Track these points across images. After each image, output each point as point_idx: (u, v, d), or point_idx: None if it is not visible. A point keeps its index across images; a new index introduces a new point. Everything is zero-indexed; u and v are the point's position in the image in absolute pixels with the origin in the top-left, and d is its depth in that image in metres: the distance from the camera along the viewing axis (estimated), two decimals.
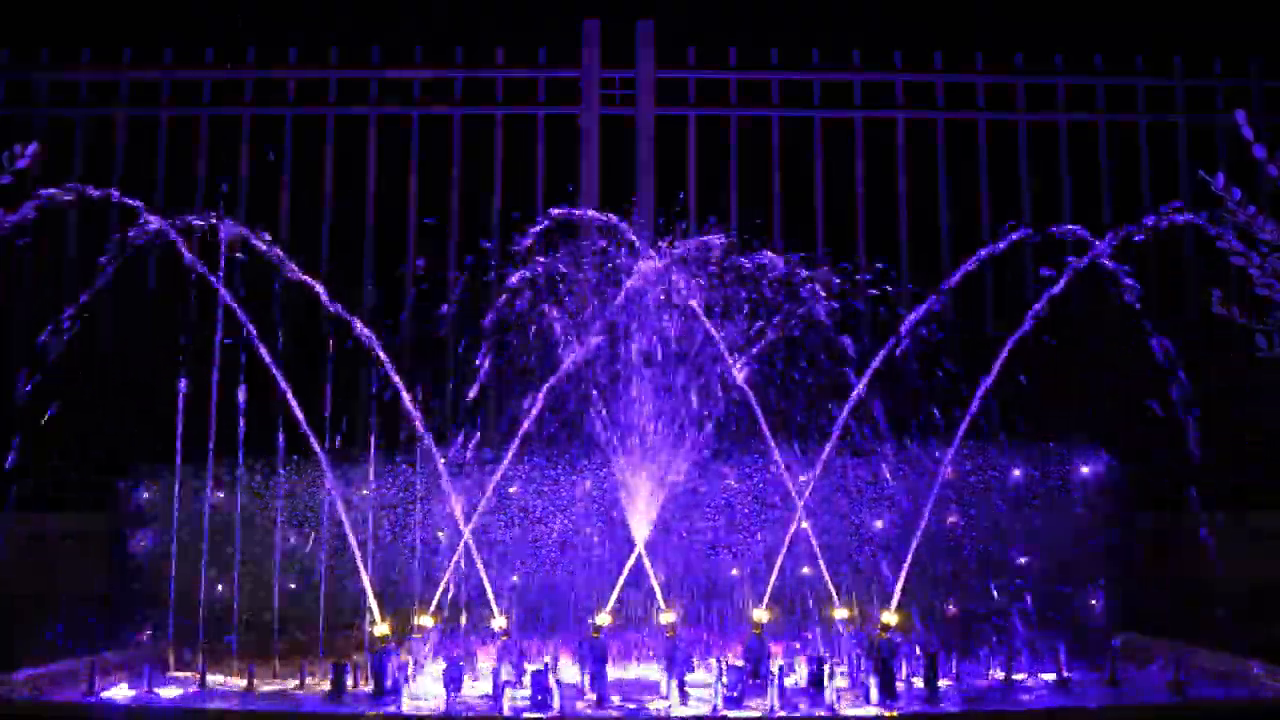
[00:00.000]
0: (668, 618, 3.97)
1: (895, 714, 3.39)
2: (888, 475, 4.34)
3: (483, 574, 4.14)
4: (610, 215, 4.47)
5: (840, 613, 4.11)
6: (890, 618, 3.87)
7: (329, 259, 5.85)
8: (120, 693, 3.69)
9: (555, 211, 4.48)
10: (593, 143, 6.03)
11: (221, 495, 4.38)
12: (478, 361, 4.33)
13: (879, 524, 4.34)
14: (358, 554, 3.99)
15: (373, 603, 3.88)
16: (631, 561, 4.16)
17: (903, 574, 4.01)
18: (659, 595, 4.22)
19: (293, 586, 4.35)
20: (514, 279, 4.29)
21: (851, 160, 6.11)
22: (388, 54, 6.13)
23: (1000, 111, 6.13)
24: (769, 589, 4.17)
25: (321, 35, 6.15)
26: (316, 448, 3.96)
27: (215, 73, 6.07)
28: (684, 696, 3.54)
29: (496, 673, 3.67)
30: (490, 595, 4.13)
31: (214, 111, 6.05)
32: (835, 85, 6.15)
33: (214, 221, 4.12)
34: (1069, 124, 6.17)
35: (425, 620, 4.01)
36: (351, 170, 6.07)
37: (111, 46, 6.07)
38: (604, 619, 3.97)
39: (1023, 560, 4.36)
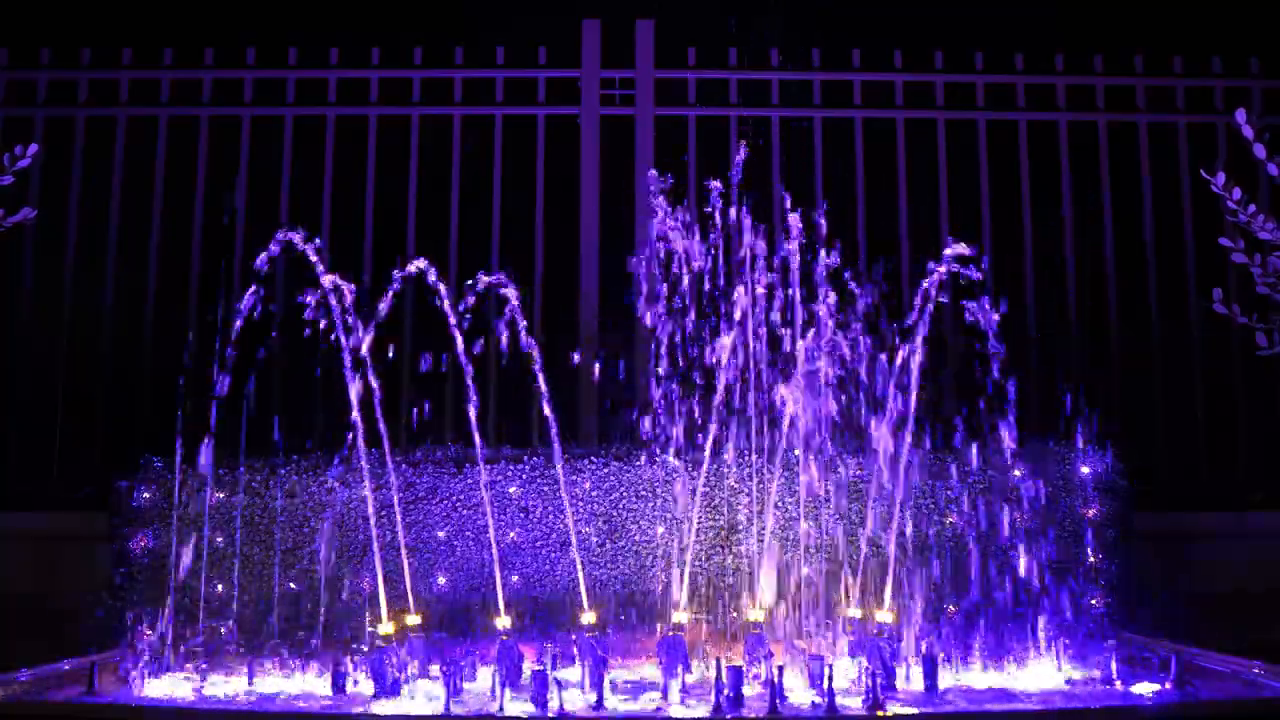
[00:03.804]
0: (677, 617, 3.98)
1: (895, 714, 3.39)
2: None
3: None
4: None
5: (853, 611, 4.11)
6: (886, 616, 3.88)
7: (329, 260, 5.85)
8: (119, 692, 3.69)
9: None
10: (593, 143, 6.03)
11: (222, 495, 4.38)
12: None
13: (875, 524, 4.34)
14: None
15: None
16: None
17: (890, 572, 4.03)
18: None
19: (292, 586, 4.36)
20: None
21: (851, 159, 6.12)
22: (387, 54, 6.14)
23: (1000, 111, 6.14)
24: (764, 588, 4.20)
25: (321, 35, 6.15)
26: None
27: (215, 72, 6.07)
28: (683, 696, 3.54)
29: (495, 673, 3.67)
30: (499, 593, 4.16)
31: (214, 111, 6.06)
32: (835, 85, 6.16)
33: None
34: (1069, 124, 6.17)
35: (413, 619, 4.01)
36: (351, 170, 6.07)
37: (112, 46, 6.08)
38: (589, 618, 3.98)
39: (1021, 560, 4.36)
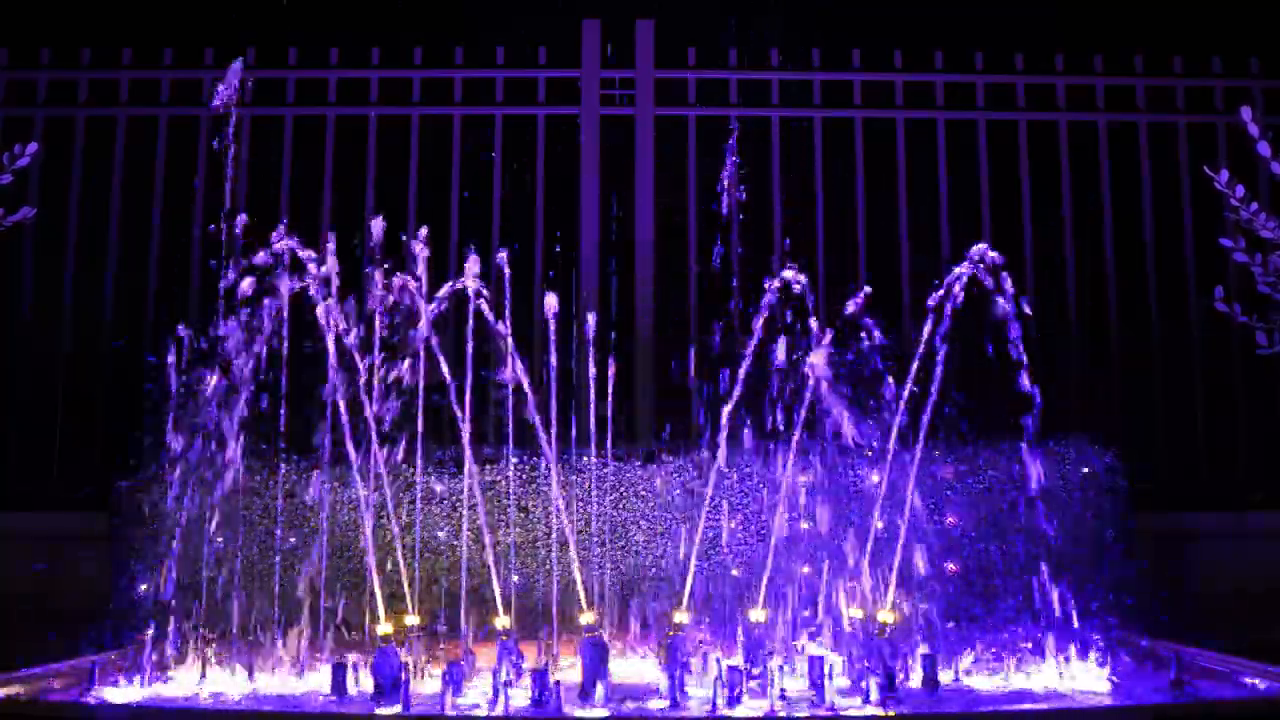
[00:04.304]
0: (680, 617, 3.98)
1: (895, 714, 3.39)
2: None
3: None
4: None
5: (855, 611, 4.11)
6: (887, 616, 3.87)
7: (329, 260, 5.85)
8: (119, 693, 3.69)
9: None
10: (593, 143, 6.03)
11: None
12: None
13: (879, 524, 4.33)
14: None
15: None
16: None
17: (894, 573, 4.03)
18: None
19: (293, 585, 4.36)
20: None
21: (851, 159, 6.12)
22: (387, 54, 6.14)
23: (1000, 111, 6.14)
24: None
25: (321, 35, 6.15)
26: None
27: (215, 72, 6.07)
28: (683, 696, 3.54)
29: (496, 672, 3.67)
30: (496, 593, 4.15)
31: (214, 111, 6.05)
32: (835, 85, 6.16)
33: None
34: (1069, 124, 6.17)
35: (412, 619, 4.01)
36: (351, 171, 6.07)
37: (112, 46, 6.08)
38: (588, 618, 3.97)
39: (1020, 560, 4.36)
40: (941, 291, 4.14)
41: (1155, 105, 6.16)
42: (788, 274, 4.31)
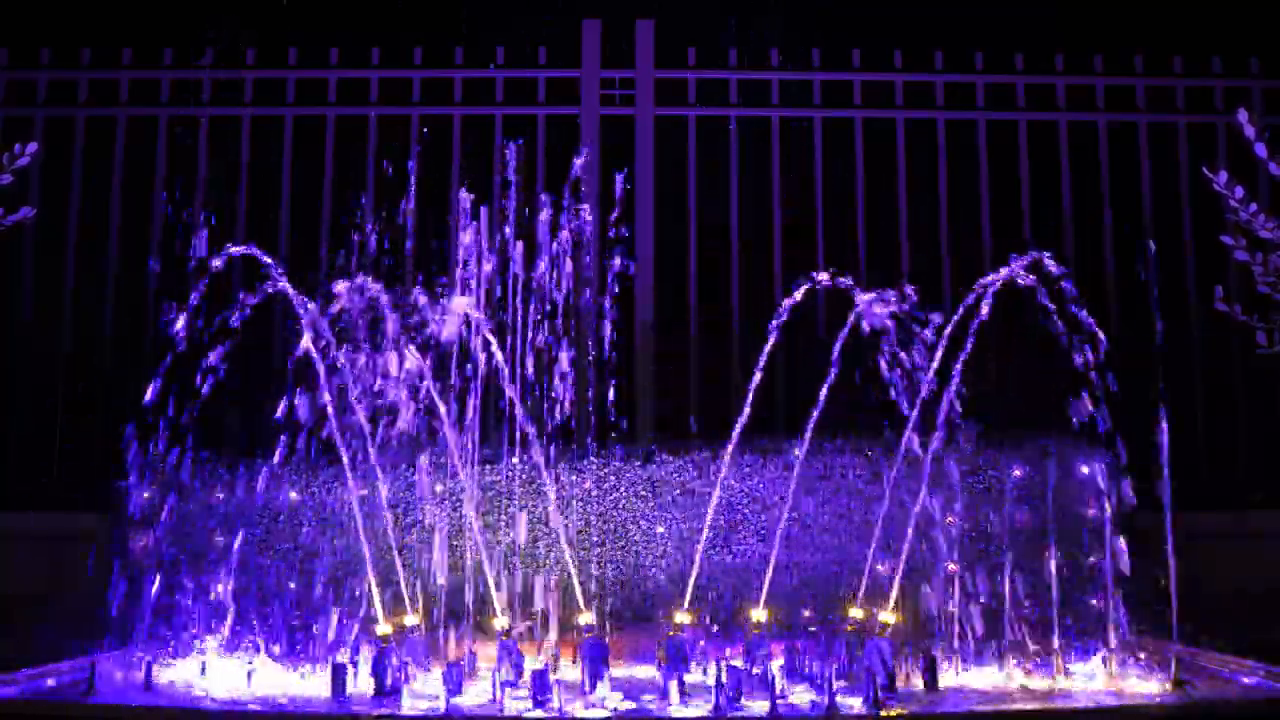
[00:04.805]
0: (680, 617, 3.99)
1: (895, 714, 3.39)
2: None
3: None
4: None
5: (856, 612, 4.10)
6: (889, 617, 3.87)
7: (328, 261, 5.86)
8: (119, 692, 3.68)
9: None
10: (593, 143, 6.03)
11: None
12: None
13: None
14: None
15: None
16: None
17: (898, 573, 4.03)
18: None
19: (293, 585, 4.36)
20: None
21: (851, 159, 6.11)
22: (387, 54, 6.14)
23: (1000, 111, 6.13)
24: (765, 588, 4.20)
25: (321, 35, 6.15)
26: None
27: (215, 73, 6.07)
28: (683, 696, 3.54)
29: (496, 672, 3.67)
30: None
31: (214, 112, 6.05)
32: (835, 85, 6.16)
33: None
34: (1069, 124, 6.16)
35: (410, 619, 4.01)
36: (352, 171, 6.07)
37: (112, 46, 6.08)
38: (586, 618, 3.98)
39: (1020, 560, 4.35)
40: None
41: (1155, 105, 6.15)
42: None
